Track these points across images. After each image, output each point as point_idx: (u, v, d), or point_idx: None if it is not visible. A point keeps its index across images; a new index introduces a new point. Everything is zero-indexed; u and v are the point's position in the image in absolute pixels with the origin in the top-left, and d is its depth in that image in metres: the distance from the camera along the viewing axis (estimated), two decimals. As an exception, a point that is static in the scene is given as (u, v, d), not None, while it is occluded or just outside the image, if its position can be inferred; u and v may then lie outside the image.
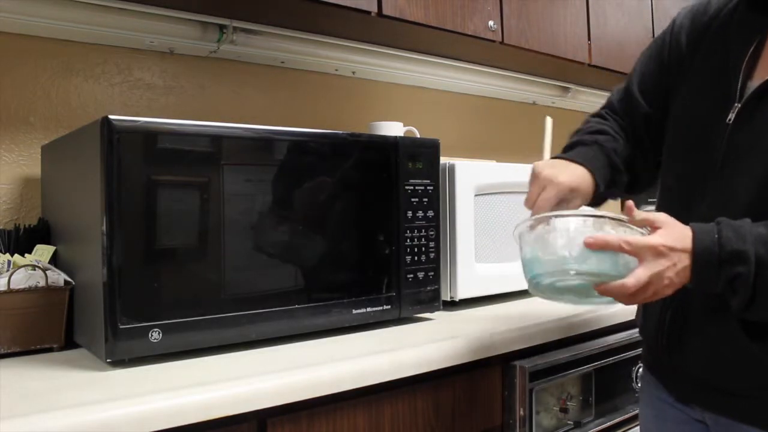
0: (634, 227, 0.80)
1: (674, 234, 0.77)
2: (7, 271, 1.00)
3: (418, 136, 1.62)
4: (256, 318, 1.00)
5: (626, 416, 1.33)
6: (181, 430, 0.77)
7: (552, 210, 0.88)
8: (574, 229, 0.80)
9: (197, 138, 0.96)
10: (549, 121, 1.02)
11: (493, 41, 1.64)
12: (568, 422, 1.21)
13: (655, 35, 2.06)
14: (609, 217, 0.80)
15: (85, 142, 0.96)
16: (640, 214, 0.80)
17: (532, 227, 0.84)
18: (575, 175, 0.93)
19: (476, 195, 1.37)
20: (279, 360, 0.93)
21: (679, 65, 0.98)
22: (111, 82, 1.40)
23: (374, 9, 1.38)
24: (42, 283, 1.00)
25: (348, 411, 0.93)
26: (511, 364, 1.14)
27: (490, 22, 1.62)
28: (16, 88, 1.28)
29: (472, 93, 2.10)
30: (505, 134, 2.22)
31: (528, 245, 0.84)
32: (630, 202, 0.81)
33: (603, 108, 1.10)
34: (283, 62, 1.64)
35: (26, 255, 1.07)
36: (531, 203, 0.92)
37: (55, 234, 1.14)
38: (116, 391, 0.78)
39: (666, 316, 0.93)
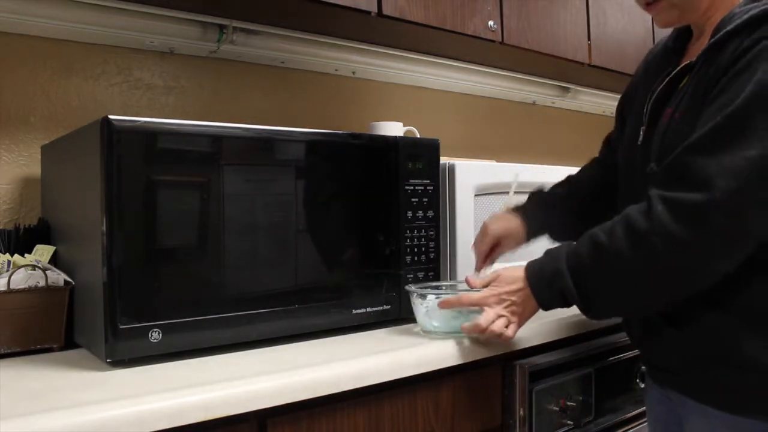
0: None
1: (505, 281, 0.98)
2: (7, 271, 1.01)
3: (418, 136, 1.63)
4: (256, 318, 1.00)
5: (626, 416, 1.32)
6: (181, 430, 0.77)
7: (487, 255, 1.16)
8: (435, 301, 1.05)
9: (197, 138, 0.96)
10: (517, 175, 1.24)
11: (493, 41, 1.64)
12: (568, 422, 1.20)
13: (655, 35, 2.07)
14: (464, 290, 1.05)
15: (85, 142, 0.96)
16: (479, 281, 1.03)
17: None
18: (505, 225, 1.15)
19: (476, 195, 1.37)
20: (279, 360, 0.93)
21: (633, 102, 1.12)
22: (111, 82, 1.40)
23: (374, 9, 1.38)
24: (42, 283, 1.00)
25: (348, 411, 0.93)
26: (511, 364, 1.14)
27: (490, 22, 1.62)
28: (16, 88, 1.28)
29: (472, 93, 2.10)
30: (505, 134, 2.22)
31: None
32: (467, 277, 1.07)
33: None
34: (283, 62, 1.64)
35: (26, 255, 1.07)
36: (475, 249, 1.17)
37: (55, 234, 1.14)
38: (116, 391, 0.78)
39: None
